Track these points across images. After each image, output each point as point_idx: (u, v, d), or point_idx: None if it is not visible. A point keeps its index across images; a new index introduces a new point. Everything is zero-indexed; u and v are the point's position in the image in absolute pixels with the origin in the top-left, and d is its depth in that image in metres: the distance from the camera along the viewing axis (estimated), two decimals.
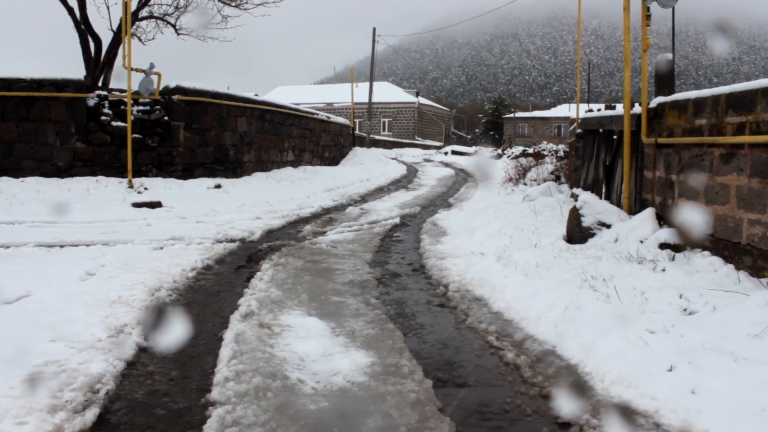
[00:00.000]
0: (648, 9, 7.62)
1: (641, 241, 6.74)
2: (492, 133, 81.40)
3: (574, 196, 9.86)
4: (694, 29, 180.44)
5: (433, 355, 5.00)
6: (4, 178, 13.24)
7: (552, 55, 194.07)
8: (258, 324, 5.53)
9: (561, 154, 17.45)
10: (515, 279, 6.71)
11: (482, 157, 38.29)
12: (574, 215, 7.90)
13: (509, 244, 8.09)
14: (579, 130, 11.94)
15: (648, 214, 7.16)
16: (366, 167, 24.65)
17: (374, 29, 43.73)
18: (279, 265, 7.88)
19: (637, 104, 8.07)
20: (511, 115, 79.66)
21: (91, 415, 3.86)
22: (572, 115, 19.70)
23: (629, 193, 8.25)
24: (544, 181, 14.05)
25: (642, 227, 7.01)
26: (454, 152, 40.99)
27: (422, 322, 5.91)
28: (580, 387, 4.21)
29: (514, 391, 4.31)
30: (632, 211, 7.99)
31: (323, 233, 10.56)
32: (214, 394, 4.13)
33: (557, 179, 14.66)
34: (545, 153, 19.92)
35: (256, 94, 20.57)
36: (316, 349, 4.96)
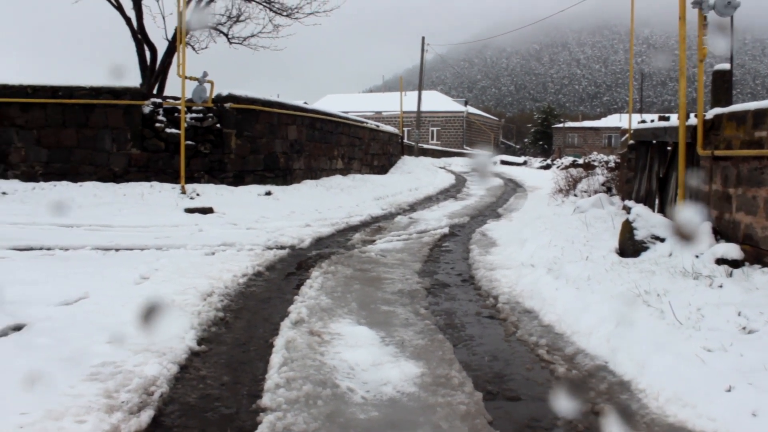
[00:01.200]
0: (705, 18, 7.46)
1: (697, 256, 6.61)
2: (541, 142, 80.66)
3: (627, 209, 9.72)
4: (751, 37, 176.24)
5: (483, 368, 4.97)
6: (64, 183, 13.65)
7: (602, 64, 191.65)
8: (308, 331, 5.57)
9: (612, 165, 17.18)
10: (566, 292, 6.62)
11: (531, 167, 38.02)
12: (627, 228, 7.78)
13: (560, 256, 8.01)
14: (631, 141, 11.77)
15: (704, 228, 7.01)
16: (414, 176, 24.65)
17: (423, 38, 43.80)
18: (329, 273, 7.94)
19: (692, 115, 7.93)
20: (561, 124, 78.83)
21: (146, 416, 3.94)
22: (623, 125, 19.43)
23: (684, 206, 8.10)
24: (595, 192, 13.86)
25: (697, 241, 6.87)
26: (502, 162, 40.77)
27: (472, 334, 5.88)
28: (634, 404, 4.15)
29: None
30: None
31: (372, 242, 10.60)
32: (265, 400, 4.18)
33: (608, 191, 14.45)
34: (595, 164, 19.65)
35: (305, 102, 20.80)
36: (366, 358, 4.98)
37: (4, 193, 12.95)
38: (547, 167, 35.34)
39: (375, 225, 12.75)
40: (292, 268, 8.57)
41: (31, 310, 5.95)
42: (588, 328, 5.54)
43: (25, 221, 11.01)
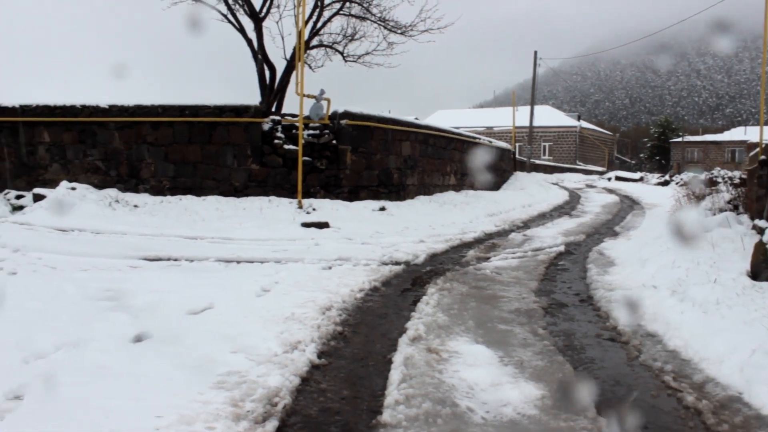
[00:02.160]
0: None
1: None
2: (658, 158, 77.69)
3: (758, 229, 9.19)
4: None
5: (606, 392, 4.81)
6: (189, 196, 14.31)
7: (725, 74, 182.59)
8: (426, 348, 5.57)
9: (737, 181, 16.32)
10: (692, 315, 6.32)
11: (648, 183, 36.67)
12: (761, 250, 7.36)
13: (684, 278, 7.65)
14: (762, 156, 11.14)
15: None
16: (527, 192, 24.29)
17: (535, 52, 43.33)
18: (444, 290, 7.92)
19: None
20: (679, 138, 75.57)
21: (270, 427, 4.04)
22: (749, 138, 18.39)
23: None
24: (720, 210, 13.17)
25: None
26: (618, 178, 39.50)
27: (592, 356, 5.70)
28: None
29: None
30: None
31: (487, 259, 10.50)
32: (386, 416, 4.20)
33: (735, 209, 13.73)
34: (718, 180, 18.72)
35: (416, 118, 20.88)
36: (485, 377, 4.92)
37: (135, 206, 13.72)
38: (666, 183, 33.93)
39: (489, 242, 12.62)
40: (407, 284, 8.60)
41: (161, 318, 6.26)
42: (718, 355, 5.25)
43: (153, 233, 11.61)
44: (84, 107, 15.25)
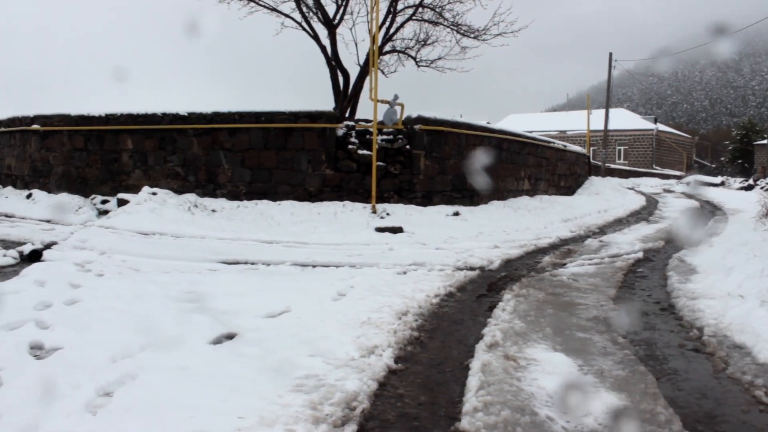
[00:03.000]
0: None
1: None
2: (740, 161, 74.77)
3: None
4: None
5: (691, 405, 4.64)
6: (265, 201, 14.56)
7: None
8: (503, 355, 5.51)
9: None
10: None
11: (729, 188, 35.43)
12: None
13: None
14: None
15: None
16: (603, 197, 23.78)
17: (610, 54, 42.47)
18: (520, 296, 7.82)
19: None
20: (764, 141, 72.60)
21: (349, 431, 4.06)
22: None
23: None
24: None
25: None
26: (697, 182, 38.30)
27: (675, 367, 5.52)
28: None
29: None
30: None
31: (563, 265, 10.32)
32: (464, 423, 4.17)
33: None
34: None
35: (488, 122, 20.76)
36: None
37: (213, 211, 14.05)
38: (749, 188, 32.74)
39: (564, 248, 12.41)
40: (482, 289, 8.53)
41: (240, 320, 6.37)
42: None
43: (231, 237, 11.85)
44: (165, 115, 15.72)
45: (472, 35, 19.13)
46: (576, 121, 57.66)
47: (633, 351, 5.83)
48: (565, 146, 24.88)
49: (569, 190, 24.52)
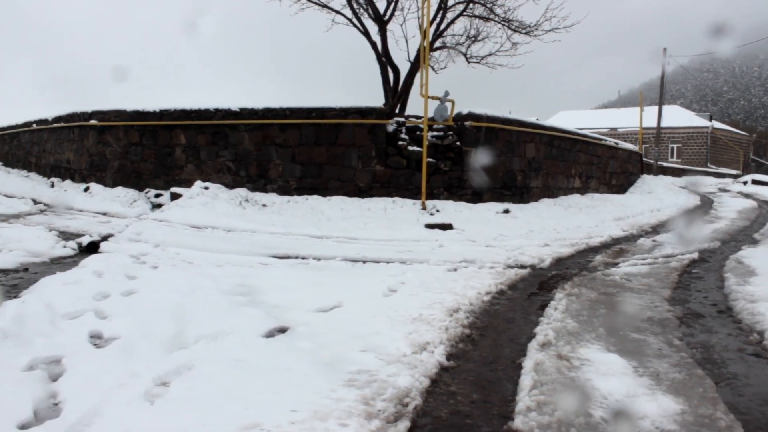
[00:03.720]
0: None
1: None
2: None
3: None
4: None
5: (753, 412, 4.50)
6: (315, 196, 14.66)
7: None
8: (556, 355, 5.44)
9: None
10: None
11: None
12: None
13: None
14: None
15: None
16: (655, 196, 23.34)
17: (664, 49, 41.59)
18: (572, 296, 7.71)
19: None
20: None
21: (402, 427, 4.05)
22: None
23: None
24: None
25: None
26: (755, 182, 37.21)
27: (735, 372, 5.36)
28: None
29: None
30: None
31: (615, 264, 10.16)
32: (517, 422, 4.12)
33: None
34: None
35: (537, 119, 20.47)
36: (619, 388, 4.73)
37: (264, 205, 14.20)
38: None
39: (616, 247, 12.20)
40: (533, 288, 8.44)
41: (292, 314, 6.42)
42: None
43: (281, 231, 11.96)
44: (217, 111, 15.94)
45: (523, 31, 18.93)
46: (627, 118, 56.66)
47: (690, 354, 5.69)
48: (617, 143, 24.50)
49: (621, 189, 24.14)
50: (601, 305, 7.36)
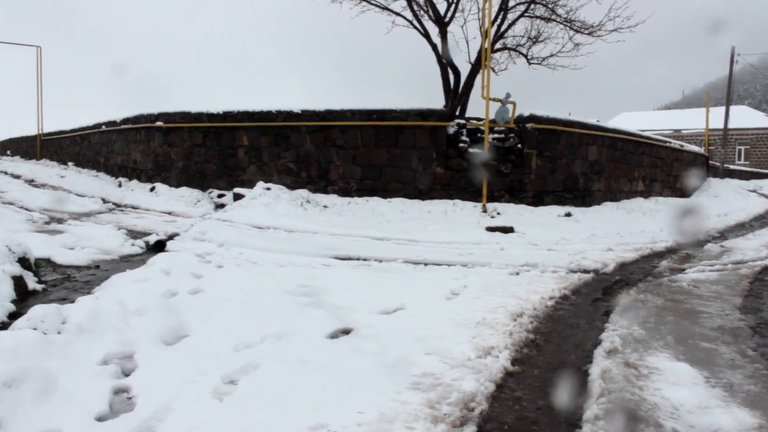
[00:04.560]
0: None
1: None
2: None
3: None
4: None
5: None
6: (375, 198, 14.72)
7: None
8: (623, 363, 5.34)
9: None
10: None
11: None
12: None
13: None
14: None
15: None
16: (722, 200, 22.67)
17: (733, 48, 40.40)
18: (638, 302, 7.57)
19: None
20: None
21: None
22: None
23: None
24: None
25: None
26: None
27: None
28: None
29: None
30: None
31: (681, 270, 9.92)
32: (585, 431, 4.08)
33: None
34: None
35: (597, 121, 20.12)
36: (690, 398, 4.62)
37: (325, 207, 14.32)
38: None
39: (682, 252, 11.91)
40: (597, 293, 8.31)
41: (355, 315, 6.47)
42: None
43: (342, 232, 12.05)
44: (279, 112, 16.14)
45: (586, 31, 18.61)
46: (692, 120, 55.30)
47: (765, 365, 5.51)
48: (681, 146, 23.92)
49: (686, 192, 23.55)
50: (668, 312, 7.20)
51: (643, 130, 25.44)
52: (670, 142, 22.79)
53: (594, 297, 8.10)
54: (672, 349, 5.84)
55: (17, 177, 22.95)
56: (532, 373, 5.25)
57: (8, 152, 38.63)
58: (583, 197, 15.99)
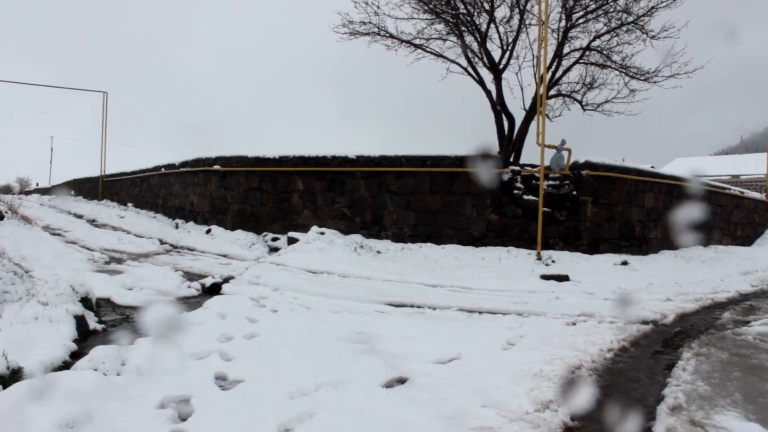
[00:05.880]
0: None
1: None
2: None
3: None
4: None
5: None
6: (428, 244, 14.72)
7: None
8: (688, 420, 5.18)
9: None
10: None
11: None
12: None
13: None
14: None
15: None
16: None
17: None
18: (701, 356, 7.34)
19: None
20: None
21: None
22: None
23: None
24: None
25: None
26: None
27: None
28: None
29: None
30: None
31: (746, 323, 9.61)
32: None
33: None
34: None
35: (652, 167, 19.81)
36: None
37: (378, 252, 14.36)
38: None
39: (746, 303, 11.55)
40: (657, 345, 8.08)
41: (411, 364, 6.42)
42: None
43: (395, 279, 12.03)
44: (334, 158, 16.36)
45: (642, 77, 18.49)
46: (751, 165, 54.04)
47: None
48: (741, 192, 23.37)
49: (746, 240, 22.93)
50: (734, 367, 6.96)
51: (699, 176, 24.94)
52: (730, 189, 22.30)
53: (654, 349, 7.88)
54: (741, 408, 5.63)
55: (80, 217, 23.70)
56: (593, 428, 5.11)
57: (72, 192, 40.09)
58: (640, 245, 15.70)
